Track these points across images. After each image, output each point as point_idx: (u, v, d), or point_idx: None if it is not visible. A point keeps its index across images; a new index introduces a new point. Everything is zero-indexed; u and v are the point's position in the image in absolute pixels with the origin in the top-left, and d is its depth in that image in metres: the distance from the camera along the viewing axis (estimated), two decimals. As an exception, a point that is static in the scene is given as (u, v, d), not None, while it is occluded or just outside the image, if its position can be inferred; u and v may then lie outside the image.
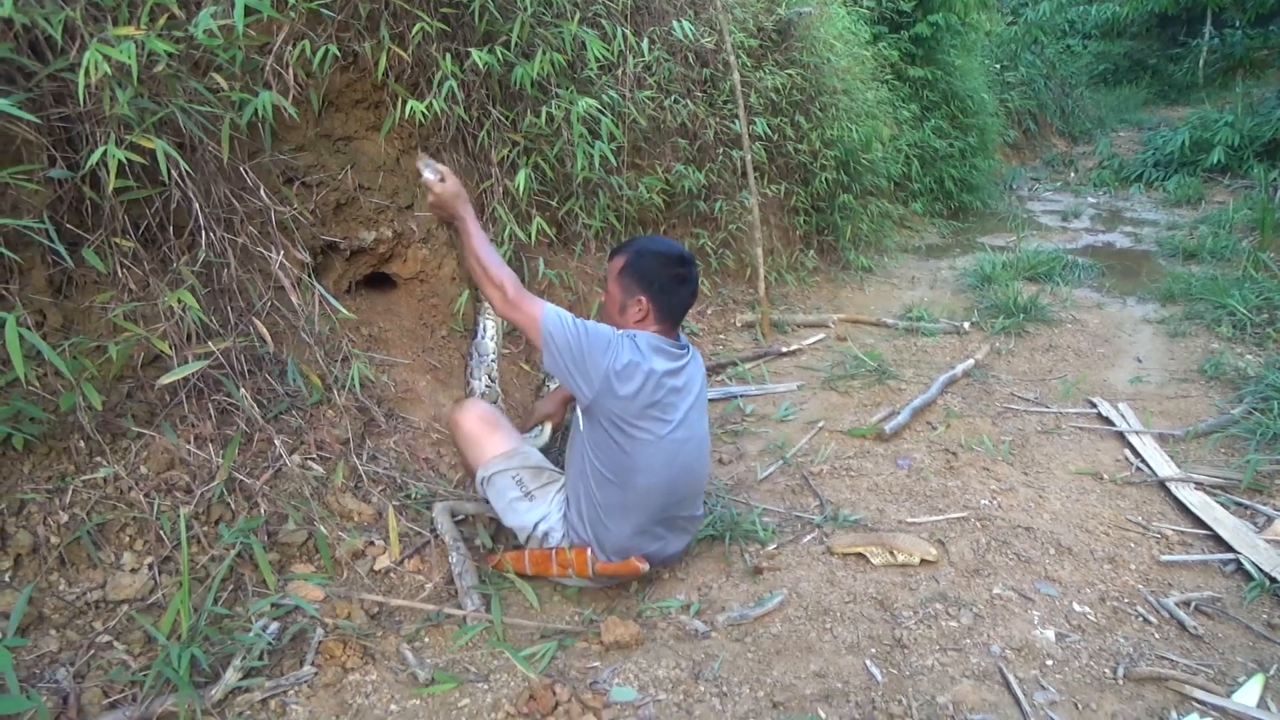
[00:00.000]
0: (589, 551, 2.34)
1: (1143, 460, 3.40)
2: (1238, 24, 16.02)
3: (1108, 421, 3.77)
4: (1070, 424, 3.76)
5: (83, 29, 2.13)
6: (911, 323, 5.14)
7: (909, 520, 2.85)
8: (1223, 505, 3.01)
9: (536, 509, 2.41)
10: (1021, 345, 4.86)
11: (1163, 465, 3.34)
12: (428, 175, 2.25)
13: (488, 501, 2.50)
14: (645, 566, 2.32)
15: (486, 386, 2.87)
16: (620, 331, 2.26)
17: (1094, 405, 3.95)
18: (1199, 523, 2.93)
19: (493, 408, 2.62)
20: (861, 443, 3.48)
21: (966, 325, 5.07)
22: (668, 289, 2.32)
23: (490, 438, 2.49)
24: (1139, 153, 11.40)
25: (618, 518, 2.30)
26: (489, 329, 2.94)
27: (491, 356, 2.92)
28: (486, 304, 2.75)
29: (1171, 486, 3.17)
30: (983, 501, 2.98)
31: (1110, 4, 16.58)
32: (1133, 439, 3.57)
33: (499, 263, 2.24)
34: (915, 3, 8.08)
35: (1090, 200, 9.94)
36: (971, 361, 4.39)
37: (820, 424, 3.65)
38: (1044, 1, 14.16)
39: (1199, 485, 3.18)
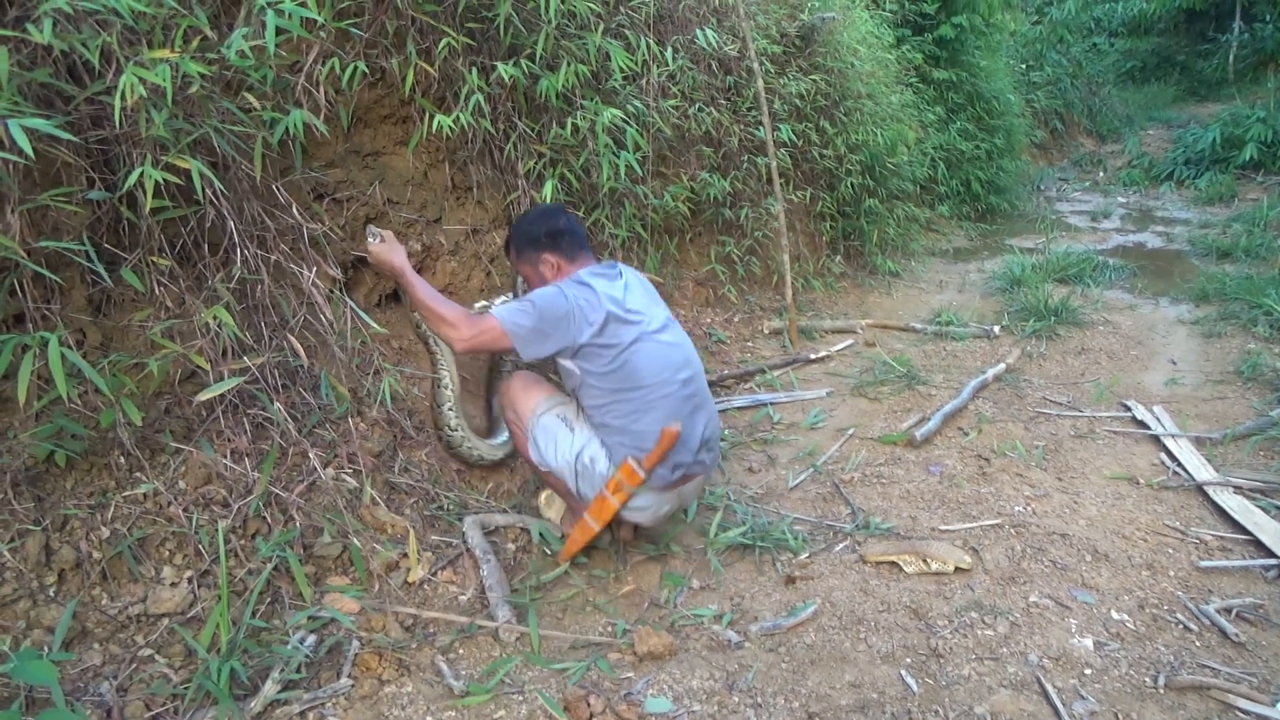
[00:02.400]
0: (630, 461, 2.39)
1: (1179, 464, 3.35)
2: (1268, 18, 15.76)
3: (1142, 425, 3.72)
4: (1104, 428, 3.72)
5: (119, 53, 2.17)
6: (940, 327, 5.11)
7: (942, 528, 2.83)
8: (1263, 509, 2.96)
9: (578, 438, 2.50)
10: (1053, 348, 4.81)
11: (1200, 469, 3.29)
12: (370, 241, 2.58)
13: (538, 468, 2.61)
14: (679, 427, 2.38)
15: (458, 424, 2.86)
16: (558, 285, 2.45)
17: (1128, 408, 3.90)
18: (1238, 527, 2.88)
19: (532, 373, 2.72)
20: (892, 450, 3.46)
21: (996, 329, 5.03)
22: (554, 234, 2.56)
23: (533, 392, 2.62)
24: (1169, 151, 11.25)
25: (643, 416, 2.40)
26: (445, 380, 2.88)
27: (451, 404, 2.88)
28: (439, 355, 2.84)
29: (1209, 491, 3.12)
30: (1016, 508, 2.96)
31: (1137, 1, 16.39)
32: (1168, 442, 3.53)
33: (443, 300, 2.45)
34: (939, 5, 8.03)
35: (1120, 200, 9.83)
36: (1002, 366, 4.35)
37: (850, 431, 3.64)
38: (1069, 1, 14.03)
39: (1238, 489, 3.14)
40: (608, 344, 2.38)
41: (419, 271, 3.35)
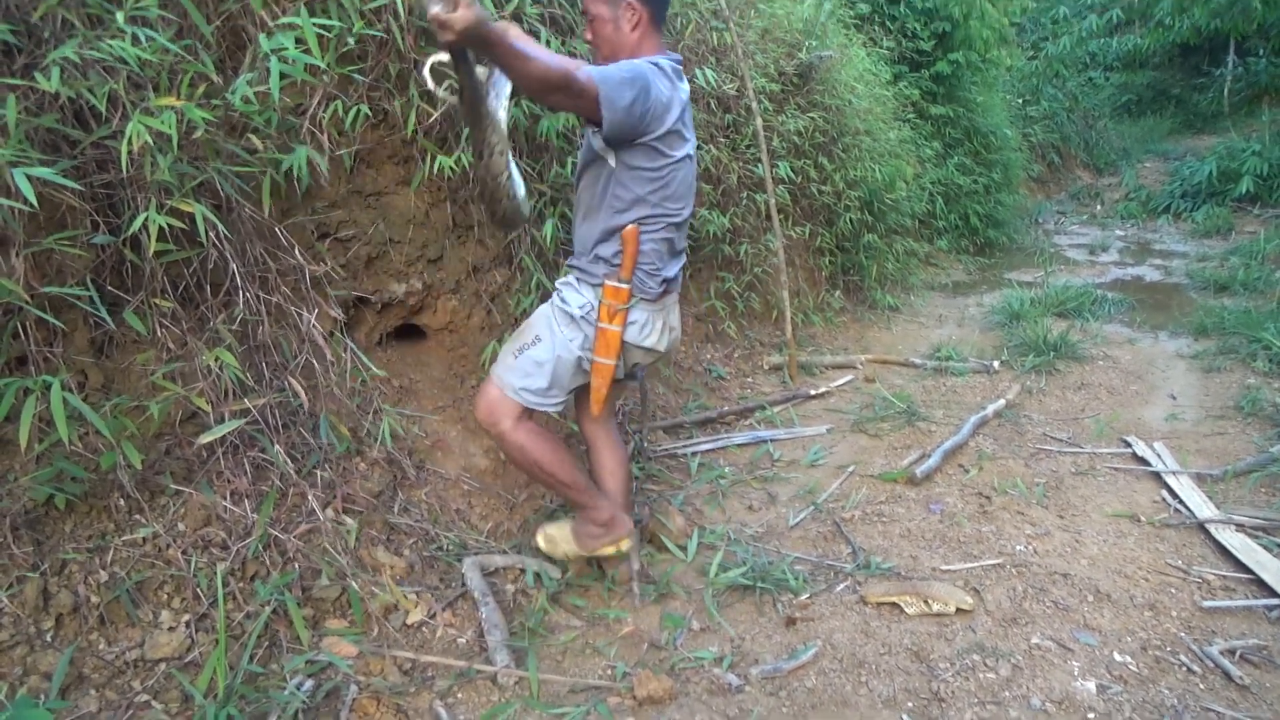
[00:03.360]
0: (609, 282, 2.35)
1: (1180, 501, 3.34)
2: (1261, 53, 15.94)
3: (1143, 461, 3.72)
4: (1105, 464, 3.71)
5: (125, 98, 2.21)
6: (940, 362, 5.11)
7: (943, 568, 2.82)
8: (1265, 548, 2.94)
9: (546, 342, 2.41)
10: (1052, 383, 4.81)
11: (1201, 506, 3.28)
12: (434, 9, 1.69)
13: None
14: (637, 228, 2.32)
15: (500, 153, 2.26)
16: (646, 65, 2.21)
17: (1129, 445, 3.90)
18: (1241, 566, 2.87)
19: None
20: (893, 487, 3.45)
21: (996, 364, 5.04)
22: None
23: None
24: (1166, 183, 11.33)
25: (648, 234, 2.35)
26: (500, 146, 2.27)
27: (509, 174, 2.38)
28: (490, 123, 2.22)
29: (1211, 528, 3.11)
30: (1018, 547, 2.95)
31: (1131, 36, 16.56)
32: (1169, 479, 3.52)
33: (553, 57, 2.01)
34: (935, 42, 8.14)
35: (1118, 233, 9.88)
36: (1002, 402, 4.35)
37: (851, 468, 3.63)
38: (1064, 36, 14.19)
39: (1240, 527, 3.12)
40: (663, 151, 2.27)
41: (419, 311, 3.39)
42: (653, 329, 2.48)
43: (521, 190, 2.43)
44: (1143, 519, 3.21)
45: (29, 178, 1.81)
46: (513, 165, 2.35)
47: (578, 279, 2.45)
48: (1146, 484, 3.53)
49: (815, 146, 5.59)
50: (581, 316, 2.40)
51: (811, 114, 5.43)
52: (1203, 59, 17.47)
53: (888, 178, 6.14)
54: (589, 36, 2.40)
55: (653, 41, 2.35)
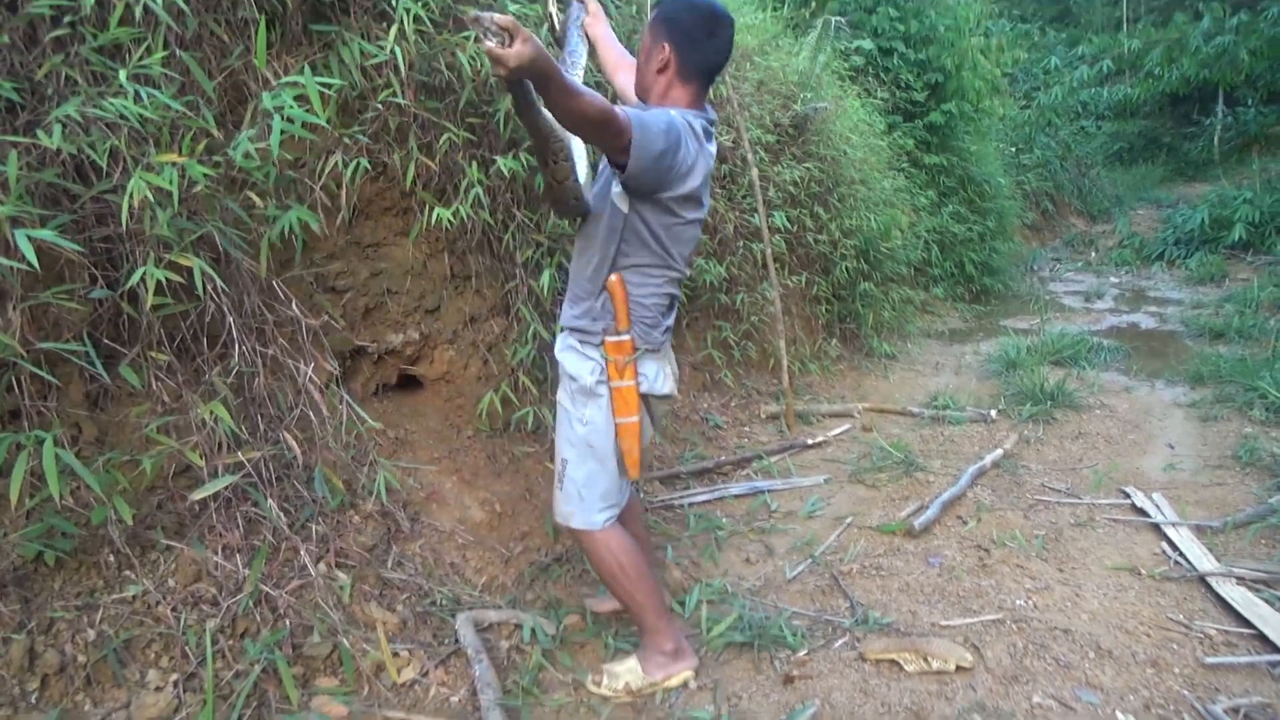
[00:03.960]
0: (608, 339, 2.31)
1: (1181, 554, 3.31)
2: (1250, 102, 16.21)
3: (1142, 512, 3.70)
4: (1104, 515, 3.69)
5: (126, 154, 2.23)
6: (937, 411, 5.11)
7: (942, 623, 2.78)
8: (1266, 601, 2.92)
9: (582, 374, 2.36)
10: (1050, 433, 4.80)
11: (1202, 559, 3.25)
12: (490, 43, 1.65)
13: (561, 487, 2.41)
14: (619, 276, 2.29)
15: (564, 159, 2.15)
16: (681, 120, 2.17)
17: (1127, 495, 3.88)
18: (1243, 621, 2.83)
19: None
20: (891, 539, 3.42)
21: (993, 413, 5.03)
22: (693, 36, 2.23)
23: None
24: (1159, 231, 11.42)
25: (644, 288, 2.32)
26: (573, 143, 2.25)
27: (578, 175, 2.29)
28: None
29: (1212, 582, 3.08)
30: (1018, 601, 2.92)
31: (1122, 86, 16.87)
32: (1169, 531, 3.50)
33: (598, 96, 1.94)
34: (928, 93, 8.26)
35: (1112, 280, 9.94)
36: (1000, 451, 4.34)
37: (849, 520, 3.61)
38: (1056, 85, 14.45)
39: (1241, 580, 3.10)
40: (676, 211, 2.25)
41: (415, 361, 3.39)
42: (661, 376, 2.46)
43: (584, 175, 2.35)
44: (1143, 572, 3.18)
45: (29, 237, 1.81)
46: (576, 156, 2.26)
47: (580, 342, 2.38)
48: (1146, 535, 3.51)
49: (811, 196, 5.65)
50: (598, 381, 2.34)
51: (807, 164, 5.49)
52: (1192, 108, 17.75)
53: (883, 226, 6.19)
54: (643, 58, 2.37)
55: (683, 92, 2.29)
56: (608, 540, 2.36)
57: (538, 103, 1.95)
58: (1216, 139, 16.62)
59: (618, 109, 1.98)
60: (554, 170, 2.12)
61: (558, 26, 2.38)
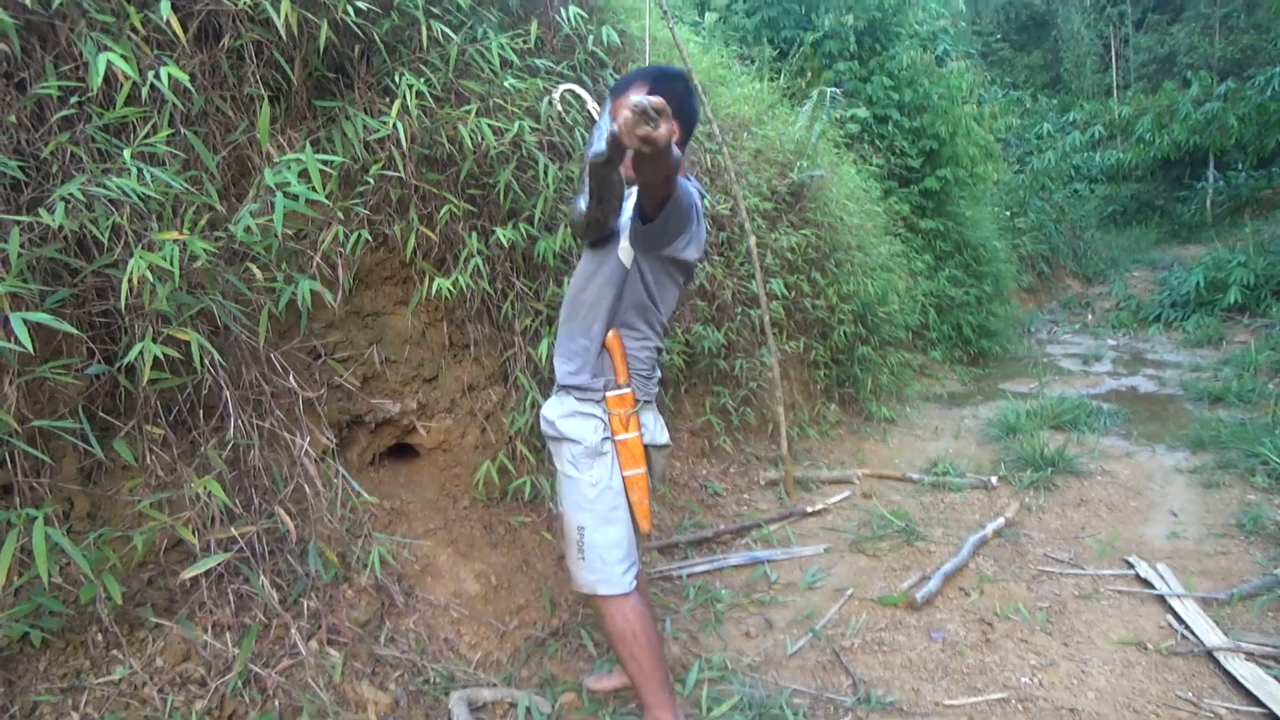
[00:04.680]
0: (609, 394, 2.32)
1: (1187, 627, 3.26)
2: (1240, 166, 16.47)
3: (1147, 584, 3.64)
4: (1108, 586, 3.64)
5: (128, 229, 2.25)
6: (937, 477, 5.07)
7: (946, 702, 2.72)
8: (1275, 678, 2.86)
9: (586, 435, 2.34)
10: (1051, 500, 4.76)
11: (1209, 633, 3.20)
12: (645, 129, 1.73)
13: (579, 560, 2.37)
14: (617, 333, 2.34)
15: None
16: (695, 191, 2.29)
17: (1131, 565, 3.83)
18: (1253, 699, 2.77)
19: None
20: (893, 612, 3.37)
21: (994, 479, 4.99)
22: (685, 108, 2.33)
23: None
24: (1155, 293, 11.52)
25: (638, 342, 2.37)
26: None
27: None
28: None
29: (1220, 657, 3.02)
30: (1023, 679, 2.86)
31: (1114, 151, 17.14)
32: (1174, 603, 3.44)
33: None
34: (923, 159, 8.39)
35: (1110, 342, 9.98)
36: (1001, 520, 4.29)
37: (849, 591, 3.56)
38: (1049, 150, 14.68)
39: (1250, 655, 3.04)
40: (673, 275, 2.34)
41: (412, 430, 3.37)
42: (658, 426, 2.48)
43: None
44: (1150, 646, 3.13)
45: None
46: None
47: (579, 399, 2.37)
48: (1151, 608, 3.45)
49: (808, 262, 5.70)
50: (603, 439, 2.34)
51: (804, 231, 5.55)
52: (1184, 172, 18.05)
53: (880, 291, 6.23)
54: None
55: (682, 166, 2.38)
56: (629, 605, 2.32)
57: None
58: (1209, 202, 16.88)
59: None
60: (604, 208, 2.21)
61: (595, 114, 2.52)
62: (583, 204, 2.29)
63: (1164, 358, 8.96)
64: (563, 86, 2.54)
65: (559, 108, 2.41)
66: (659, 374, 2.51)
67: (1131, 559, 3.89)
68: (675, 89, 2.30)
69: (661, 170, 1.95)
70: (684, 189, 2.14)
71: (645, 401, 2.41)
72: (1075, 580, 3.70)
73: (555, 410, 2.40)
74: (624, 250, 2.28)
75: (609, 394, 2.32)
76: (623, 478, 2.35)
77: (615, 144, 1.86)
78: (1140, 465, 5.39)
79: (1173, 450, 5.68)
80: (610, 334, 2.32)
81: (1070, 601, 3.49)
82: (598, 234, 2.35)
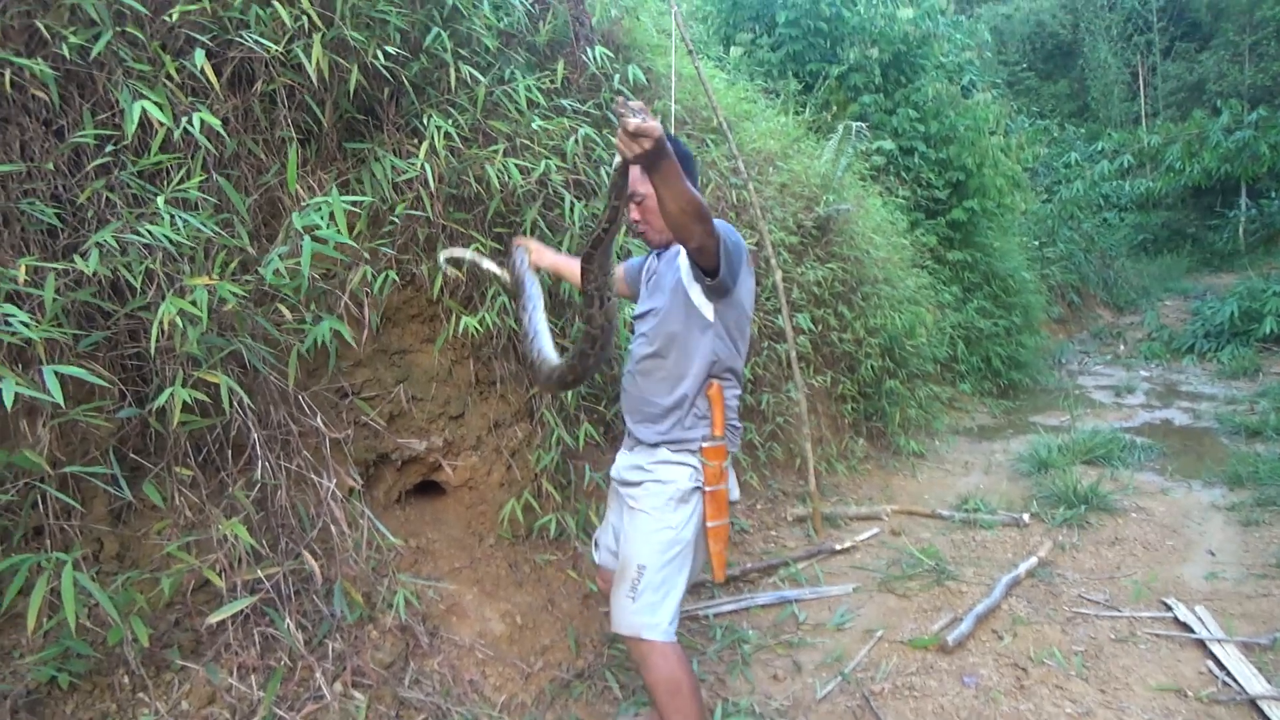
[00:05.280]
0: (704, 444, 2.32)
1: (1228, 673, 3.16)
2: (1274, 194, 16.27)
3: (1185, 627, 3.55)
4: (1146, 630, 3.55)
5: (160, 273, 2.28)
6: (968, 514, 4.99)
7: (980, 751, 2.66)
8: (1325, 730, 2.77)
9: (679, 480, 2.33)
10: (1085, 538, 4.67)
11: (1251, 680, 3.10)
12: (635, 120, 1.77)
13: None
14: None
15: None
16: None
17: (1169, 608, 3.73)
18: (1300, 752, 2.69)
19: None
20: (924, 655, 3.30)
21: (1026, 517, 4.91)
22: (689, 165, 2.37)
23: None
24: (1188, 323, 11.35)
25: (733, 399, 2.40)
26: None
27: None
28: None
29: (1264, 706, 2.93)
30: (1059, 728, 2.79)
31: (1143, 179, 17.00)
32: (1215, 648, 3.35)
33: (699, 194, 2.06)
34: (950, 190, 8.36)
35: (1143, 373, 9.83)
36: (1034, 559, 4.21)
37: (879, 633, 3.49)
38: (1077, 180, 14.58)
39: (1295, 704, 2.95)
40: (745, 306, 2.36)
41: (438, 468, 3.37)
42: (733, 481, 2.46)
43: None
44: (1190, 694, 3.04)
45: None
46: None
47: (672, 450, 2.34)
48: (1191, 652, 3.36)
49: (835, 295, 5.67)
50: (694, 488, 2.32)
51: (830, 264, 5.53)
52: (1215, 200, 17.85)
53: (908, 324, 6.19)
54: (637, 217, 2.45)
55: None
56: (675, 654, 2.26)
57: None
58: (1241, 230, 16.66)
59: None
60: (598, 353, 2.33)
61: (507, 282, 2.78)
62: (546, 350, 2.56)
63: (1198, 389, 8.81)
64: (444, 254, 2.82)
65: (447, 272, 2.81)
66: (740, 425, 2.49)
67: (1169, 600, 3.79)
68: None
69: (675, 186, 1.93)
70: (721, 226, 2.16)
71: (731, 452, 2.40)
72: (1111, 623, 3.62)
73: (645, 458, 2.38)
74: (703, 304, 2.29)
75: (704, 445, 2.32)
76: (706, 528, 2.34)
77: (623, 167, 1.93)
78: (1176, 502, 5.28)
79: (1209, 486, 5.56)
80: (714, 385, 2.33)
81: (1107, 645, 3.40)
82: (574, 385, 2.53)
